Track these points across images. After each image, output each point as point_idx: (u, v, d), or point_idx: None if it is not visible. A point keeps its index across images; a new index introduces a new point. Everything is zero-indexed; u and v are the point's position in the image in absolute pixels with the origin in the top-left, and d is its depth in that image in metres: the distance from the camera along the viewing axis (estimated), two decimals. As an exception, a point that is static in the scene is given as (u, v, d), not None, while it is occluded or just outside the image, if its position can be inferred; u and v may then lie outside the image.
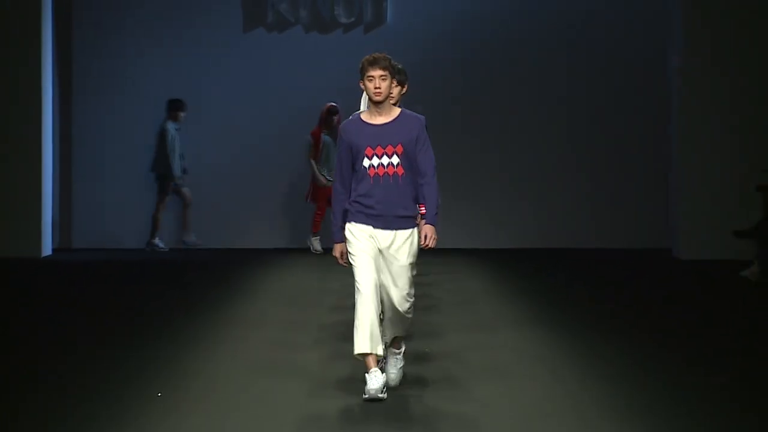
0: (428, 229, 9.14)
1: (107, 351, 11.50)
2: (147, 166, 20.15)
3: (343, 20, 20.42)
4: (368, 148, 9.11)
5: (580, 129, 20.58)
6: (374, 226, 9.13)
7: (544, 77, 20.45)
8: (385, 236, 9.14)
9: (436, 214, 9.18)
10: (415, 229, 9.25)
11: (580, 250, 20.23)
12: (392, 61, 9.24)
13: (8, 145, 19.01)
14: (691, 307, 14.74)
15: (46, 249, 19.47)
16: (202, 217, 20.36)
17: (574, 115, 20.58)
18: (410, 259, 9.24)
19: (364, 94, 10.00)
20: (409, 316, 9.41)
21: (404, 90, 9.45)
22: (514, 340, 12.10)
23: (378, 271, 9.13)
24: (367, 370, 9.05)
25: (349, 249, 9.16)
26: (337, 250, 9.32)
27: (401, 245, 9.16)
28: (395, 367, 9.50)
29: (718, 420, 8.82)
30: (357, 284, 9.10)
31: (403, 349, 9.63)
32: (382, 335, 9.18)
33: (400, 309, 9.23)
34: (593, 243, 20.39)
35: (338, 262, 9.36)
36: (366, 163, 9.12)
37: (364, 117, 9.31)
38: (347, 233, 9.20)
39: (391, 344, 9.50)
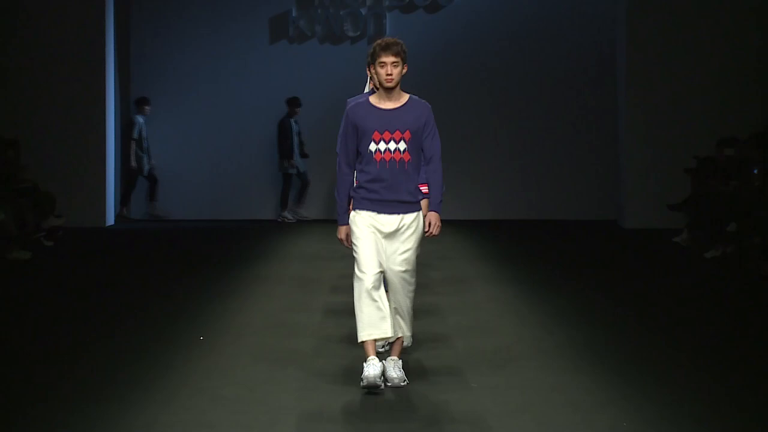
0: (433, 216, 7.84)
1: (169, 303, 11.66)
2: (195, 147, 20.23)
3: (351, 34, 20.46)
4: (375, 132, 7.73)
5: (539, 118, 20.38)
6: (379, 212, 7.75)
7: (512, 71, 20.32)
8: (390, 220, 7.76)
9: (441, 201, 7.87)
10: (420, 214, 7.86)
11: (537, 221, 19.99)
12: (404, 47, 7.79)
13: (77, 130, 18.83)
14: (632, 267, 14.82)
15: (109, 219, 19.37)
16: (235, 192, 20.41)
17: (533, 103, 20.41)
18: (415, 243, 7.85)
19: (368, 81, 8.86)
20: (410, 296, 7.91)
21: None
22: (485, 294, 12.22)
23: (381, 257, 7.74)
24: (365, 358, 7.69)
25: (353, 237, 7.80)
26: (342, 232, 7.92)
27: (406, 229, 7.77)
28: (395, 370, 7.78)
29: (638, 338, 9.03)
30: (358, 271, 7.72)
31: (401, 361, 7.91)
32: (393, 327, 7.76)
33: (402, 291, 7.82)
34: (549, 215, 20.21)
35: (343, 244, 7.99)
36: (372, 147, 7.73)
37: (372, 100, 7.84)
38: (351, 221, 7.83)
39: (391, 350, 7.99)
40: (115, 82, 19.75)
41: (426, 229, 7.84)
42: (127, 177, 20.16)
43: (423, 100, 7.88)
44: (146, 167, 20.13)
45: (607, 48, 19.84)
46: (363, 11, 20.46)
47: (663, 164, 18.55)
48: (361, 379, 7.59)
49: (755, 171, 14.95)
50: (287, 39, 20.52)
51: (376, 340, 7.76)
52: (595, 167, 20.22)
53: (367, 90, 9.02)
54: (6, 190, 15.28)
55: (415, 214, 7.83)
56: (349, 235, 7.88)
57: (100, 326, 10.39)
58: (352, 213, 7.85)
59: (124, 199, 20.19)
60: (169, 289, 12.58)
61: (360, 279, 7.69)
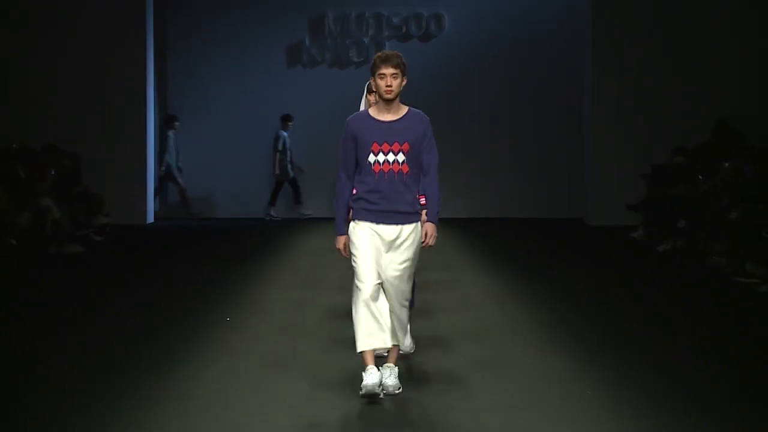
0: (430, 227, 6.93)
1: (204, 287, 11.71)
2: (225, 155, 20.25)
3: (355, 59, 20.54)
4: (375, 144, 6.82)
5: (515, 130, 20.26)
6: (377, 222, 6.86)
7: (493, 89, 20.32)
8: (389, 231, 6.85)
9: (437, 212, 6.99)
10: (419, 225, 6.94)
11: (513, 219, 19.81)
12: (403, 59, 6.88)
13: (122, 140, 18.80)
14: (596, 258, 14.87)
15: (150, 217, 19.31)
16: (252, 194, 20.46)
17: (510, 117, 20.28)
18: (413, 254, 6.92)
19: (364, 96, 8.28)
20: (406, 306, 6.98)
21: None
22: (467, 279, 12.27)
23: (380, 267, 6.86)
24: (364, 367, 6.82)
25: (352, 248, 6.91)
26: (340, 242, 6.97)
27: (405, 239, 6.86)
28: (390, 378, 6.82)
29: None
30: (357, 282, 6.84)
31: (396, 368, 6.90)
32: (392, 332, 6.83)
33: (397, 300, 6.87)
34: (523, 213, 20.06)
35: (341, 254, 7.03)
36: (371, 158, 6.83)
37: (372, 113, 6.94)
38: (350, 232, 6.93)
39: (387, 357, 6.97)
40: (154, 102, 19.77)
41: (422, 240, 6.94)
42: (274, 183, 20.13)
43: (422, 113, 7.00)
44: (291, 174, 20.10)
45: (574, 69, 19.81)
46: (366, 40, 20.54)
47: (623, 170, 18.49)
48: (360, 388, 6.76)
49: (701, 177, 14.99)
50: (301, 64, 20.58)
51: (375, 349, 6.86)
52: (564, 172, 20.19)
53: (363, 108, 8.24)
54: (63, 193, 15.33)
55: (413, 225, 6.92)
56: (347, 244, 6.94)
57: (142, 306, 10.46)
58: (352, 224, 6.95)
59: (272, 201, 20.19)
60: (200, 277, 12.63)
61: (359, 289, 6.81)
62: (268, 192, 20.34)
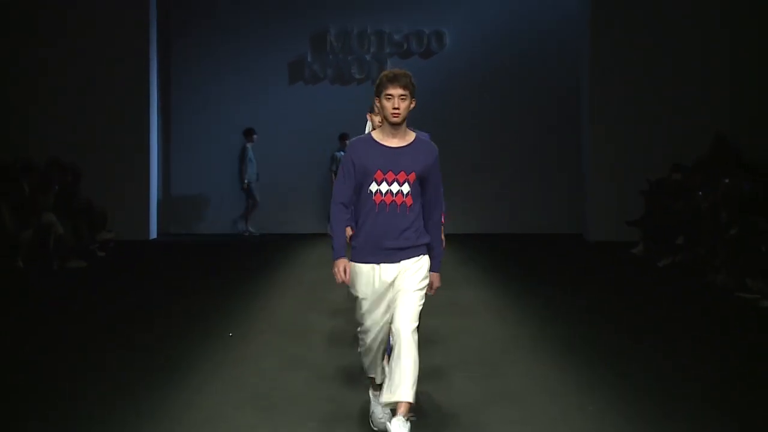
0: (434, 277, 6.22)
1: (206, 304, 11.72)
2: (228, 170, 20.25)
3: (357, 76, 20.59)
4: (378, 172, 6.04)
5: (515, 147, 20.28)
6: (378, 262, 6.08)
7: (493, 106, 20.29)
8: (391, 269, 6.08)
9: (441, 260, 6.26)
10: (426, 257, 6.16)
11: (512, 234, 19.81)
12: (413, 79, 6.12)
13: (125, 157, 18.83)
14: (596, 273, 14.86)
15: (153, 233, 19.36)
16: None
17: (510, 134, 20.32)
18: (419, 285, 6.08)
19: (368, 123, 7.73)
20: (414, 352, 5.97)
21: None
22: (467, 294, 12.28)
23: (385, 312, 6.13)
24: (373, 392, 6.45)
25: (353, 291, 6.17)
26: (339, 265, 6.06)
27: (408, 269, 6.07)
28: (401, 428, 5.89)
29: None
30: (362, 334, 6.23)
31: (409, 424, 5.95)
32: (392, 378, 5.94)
33: (405, 339, 5.93)
34: (523, 229, 20.05)
35: (340, 279, 6.09)
36: (373, 187, 6.04)
37: (376, 137, 6.16)
38: (351, 274, 6.10)
39: (397, 408, 5.96)
40: (158, 117, 19.82)
41: (428, 291, 6.20)
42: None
43: (431, 142, 6.26)
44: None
45: (573, 85, 19.86)
46: (367, 57, 20.59)
47: (622, 185, 18.52)
48: (374, 423, 6.41)
49: (700, 193, 15.00)
50: (303, 80, 20.63)
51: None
52: (563, 188, 20.20)
53: (368, 129, 7.78)
54: (65, 208, 15.35)
55: (416, 258, 6.12)
56: (347, 268, 6.08)
57: (144, 321, 10.46)
58: (351, 264, 6.13)
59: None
60: (203, 291, 12.64)
61: (362, 335, 6.24)
62: (272, 207, 20.34)
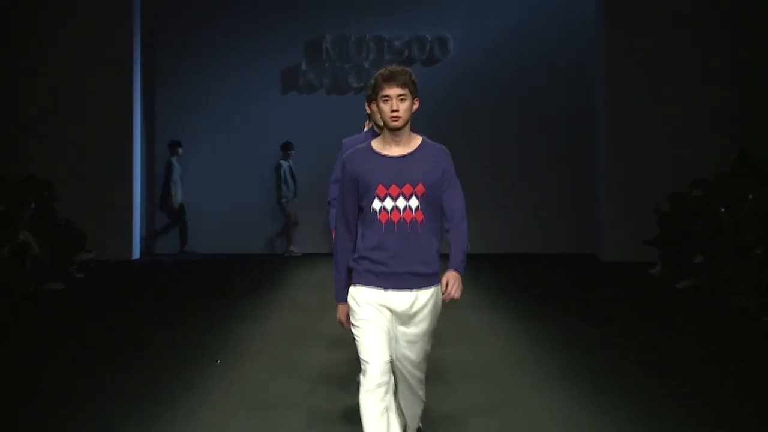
0: (452, 276, 5.60)
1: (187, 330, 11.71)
2: (216, 186, 20.34)
3: (355, 85, 20.67)
4: (380, 186, 5.55)
5: (524, 161, 20.32)
6: (386, 288, 5.57)
7: (501, 117, 20.33)
8: (401, 298, 5.59)
9: (463, 260, 5.68)
10: (438, 288, 5.67)
11: (522, 254, 19.78)
12: (413, 76, 5.68)
13: (106, 171, 18.84)
14: (610, 296, 14.84)
15: (135, 253, 19.38)
16: (244, 226, 20.50)
17: (519, 147, 20.35)
18: (431, 325, 5.72)
19: (367, 121, 7.53)
20: (421, 392, 5.91)
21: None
22: (473, 318, 12.30)
23: (390, 344, 5.61)
24: None
25: (353, 319, 5.64)
26: (341, 312, 5.74)
27: (422, 308, 5.63)
28: None
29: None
30: (361, 362, 5.60)
31: None
32: (399, 416, 5.79)
33: (410, 380, 5.79)
34: (533, 249, 20.05)
35: (343, 327, 5.78)
36: (376, 205, 5.56)
37: (375, 146, 5.69)
38: (350, 300, 5.66)
39: None
40: (141, 128, 19.89)
41: (443, 290, 5.61)
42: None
43: (439, 144, 5.81)
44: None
45: (586, 96, 19.92)
46: (366, 64, 20.64)
47: (639, 203, 18.53)
48: None
49: (723, 210, 15.02)
50: (297, 89, 20.68)
51: None
52: (575, 204, 20.22)
53: (366, 130, 7.65)
54: (41, 226, 15.39)
55: (432, 289, 5.67)
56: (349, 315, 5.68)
57: (127, 350, 10.47)
58: (352, 288, 5.67)
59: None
60: (189, 315, 12.65)
61: (363, 371, 5.57)
62: (264, 224, 20.38)
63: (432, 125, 18.96)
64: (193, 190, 20.39)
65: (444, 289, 5.59)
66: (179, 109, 20.53)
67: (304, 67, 20.67)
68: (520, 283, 16.39)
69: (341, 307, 5.75)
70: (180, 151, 20.07)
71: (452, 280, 5.57)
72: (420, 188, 5.59)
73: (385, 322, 5.59)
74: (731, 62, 18.83)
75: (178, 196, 20.07)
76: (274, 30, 20.54)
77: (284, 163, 20.09)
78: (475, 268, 17.58)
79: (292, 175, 20.08)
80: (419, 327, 5.68)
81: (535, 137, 20.40)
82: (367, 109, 7.22)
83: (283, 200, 20.08)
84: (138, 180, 19.60)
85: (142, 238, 19.92)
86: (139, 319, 12.59)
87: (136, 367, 9.49)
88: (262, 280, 16.50)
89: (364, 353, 5.56)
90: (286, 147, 20.11)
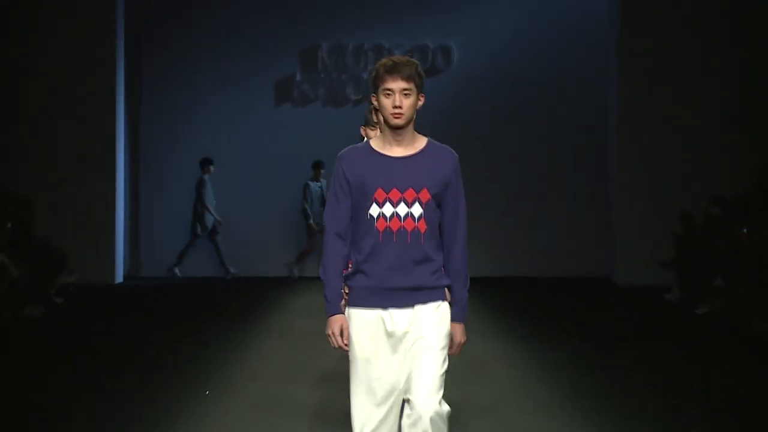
0: (457, 330, 5.32)
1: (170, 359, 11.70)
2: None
3: (352, 97, 20.70)
4: (379, 190, 5.20)
5: (533, 177, 20.38)
6: (385, 306, 5.19)
7: (507, 131, 20.39)
8: (402, 317, 5.19)
9: (466, 305, 5.37)
10: (446, 304, 5.29)
11: (531, 278, 19.76)
12: (419, 69, 5.42)
13: (88, 190, 18.88)
14: (624, 323, 14.83)
15: (118, 277, 19.37)
16: (236, 248, 20.47)
17: (527, 162, 20.40)
18: (441, 342, 5.22)
19: (362, 132, 7.23)
20: (443, 411, 5.20)
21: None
22: (478, 345, 12.30)
23: (398, 379, 5.18)
24: None
25: (350, 350, 5.26)
26: (334, 325, 5.22)
27: (426, 319, 5.21)
28: None
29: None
30: (353, 407, 5.26)
31: None
32: None
33: (425, 418, 5.10)
34: (543, 272, 20.07)
35: (337, 344, 5.23)
36: (374, 211, 5.20)
37: (375, 145, 5.35)
38: (348, 320, 5.25)
39: None
40: (125, 146, 19.91)
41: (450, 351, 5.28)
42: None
43: (448, 147, 5.49)
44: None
45: (598, 109, 19.94)
46: (364, 75, 20.66)
47: (654, 222, 18.55)
48: None
49: (744, 230, 15.01)
50: (291, 101, 20.68)
51: None
52: (587, 225, 20.22)
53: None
54: (19, 247, 15.38)
55: (435, 304, 5.27)
56: (344, 328, 5.21)
57: (109, 379, 10.46)
58: (348, 311, 5.29)
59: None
60: (176, 342, 12.64)
61: (355, 419, 5.24)
62: (258, 244, 20.36)
63: (434, 138, 18.99)
64: (186, 207, 20.37)
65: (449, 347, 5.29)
66: (165, 124, 20.54)
67: (298, 77, 20.70)
68: (528, 309, 16.37)
69: (334, 320, 5.22)
70: (212, 168, 20.02)
71: (458, 335, 5.33)
72: (424, 194, 5.24)
73: (385, 352, 5.17)
74: (757, 65, 18.82)
75: (210, 215, 20.04)
76: (265, 38, 20.57)
77: (314, 185, 20.03)
78: (480, 291, 17.62)
79: (322, 197, 19.92)
80: (427, 341, 5.17)
81: (544, 152, 20.41)
82: (362, 132, 7.10)
83: (312, 222, 19.95)
84: (122, 198, 19.62)
85: (125, 261, 19.90)
86: (121, 347, 12.56)
87: (116, 398, 9.49)
88: (256, 303, 16.48)
89: (357, 395, 5.22)
90: (317, 166, 20.01)
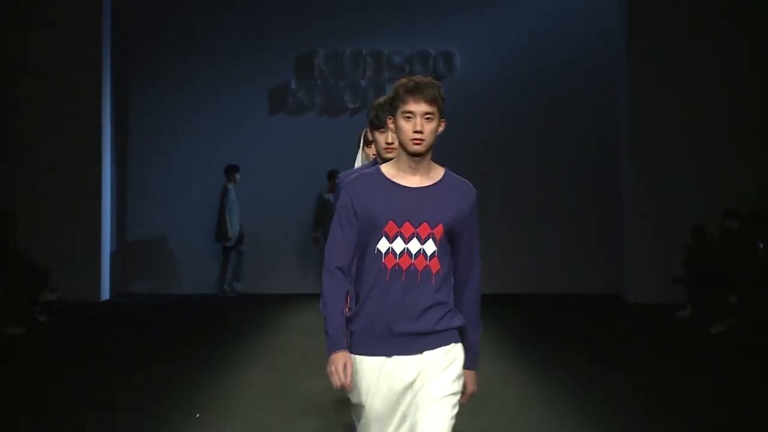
0: (468, 378, 5.09)
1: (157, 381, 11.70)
2: (195, 220, 20.38)
3: (350, 105, 20.71)
4: (390, 224, 4.89)
5: (541, 191, 20.44)
6: (389, 353, 4.89)
7: (513, 142, 20.45)
8: (410, 365, 4.90)
9: (478, 352, 5.18)
10: (459, 347, 5.00)
11: (540, 295, 19.86)
12: (442, 91, 5.07)
13: (73, 203, 18.91)
14: (636, 342, 14.79)
15: (104, 294, 19.35)
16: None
17: (535, 176, 20.48)
18: (450, 389, 4.92)
19: (360, 151, 6.91)
20: None
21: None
22: (482, 366, 12.28)
23: (401, 427, 4.92)
24: None
25: (353, 406, 5.07)
26: (339, 361, 4.85)
27: (435, 365, 4.91)
28: None
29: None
30: None
31: None
32: None
33: None
34: (552, 289, 20.12)
35: (339, 382, 4.85)
36: (383, 245, 4.90)
37: (387, 172, 5.03)
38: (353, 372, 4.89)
39: None
40: (111, 156, 19.92)
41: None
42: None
43: (465, 180, 5.18)
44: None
45: (607, 120, 19.96)
46: (363, 82, 20.69)
47: (666, 238, 18.56)
48: None
49: (761, 245, 15.02)
50: (286, 110, 20.69)
51: None
52: (597, 240, 20.23)
53: (359, 164, 6.93)
54: (0, 264, 15.37)
55: (445, 348, 4.96)
56: (348, 366, 4.86)
57: (95, 404, 10.45)
58: (351, 358, 4.92)
59: None
60: (166, 364, 12.64)
61: None
62: (249, 262, 20.36)
63: (436, 151, 18.98)
64: (176, 220, 20.40)
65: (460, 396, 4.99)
66: (154, 136, 20.57)
67: (293, 85, 20.73)
68: (535, 328, 16.37)
69: (337, 357, 4.86)
70: (237, 176, 20.00)
71: (471, 383, 5.09)
72: (439, 230, 4.93)
73: (390, 402, 4.91)
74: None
75: (234, 226, 20.03)
76: (259, 44, 20.59)
77: (330, 198, 20.02)
78: (487, 309, 17.58)
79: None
80: (436, 387, 4.88)
81: (552, 165, 20.41)
82: (369, 135, 6.50)
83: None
84: (108, 212, 19.63)
85: (111, 277, 19.87)
86: (107, 367, 12.55)
87: (102, 422, 9.48)
88: (250, 322, 16.48)
89: None
90: (332, 176, 19.98)
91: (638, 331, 15.99)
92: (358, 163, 6.91)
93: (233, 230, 19.97)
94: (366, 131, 6.69)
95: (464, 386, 5.01)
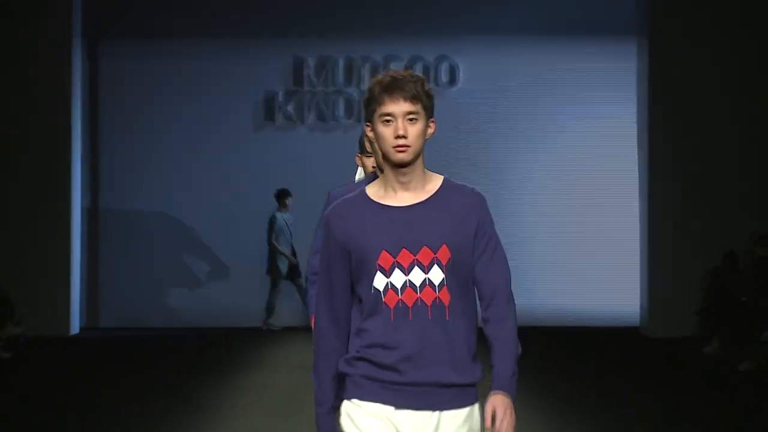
0: (500, 402, 4.45)
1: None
2: (171, 248, 20.42)
3: (343, 119, 20.74)
4: (384, 254, 4.41)
5: (555, 216, 20.49)
6: (397, 406, 4.44)
7: (518, 159, 20.61)
8: (417, 420, 4.45)
9: (514, 373, 4.63)
10: (476, 408, 4.59)
11: (556, 328, 19.80)
12: (426, 86, 4.50)
13: (40, 231, 18.89)
14: (657, 381, 14.73)
15: (74, 328, 19.33)
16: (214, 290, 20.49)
17: (547, 204, 20.55)
18: None
19: (358, 170, 6.48)
20: None
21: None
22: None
23: None
24: None
25: None
26: None
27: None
28: None
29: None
30: None
31: None
32: None
33: None
34: (567, 322, 20.10)
35: None
36: (380, 282, 4.42)
37: (371, 193, 4.55)
38: (345, 420, 4.52)
39: None
40: (81, 181, 19.94)
41: (487, 424, 4.43)
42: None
43: (470, 186, 4.72)
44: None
45: (623, 135, 19.97)
46: (356, 94, 20.68)
47: (689, 267, 18.47)
48: None
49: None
50: (273, 124, 20.66)
51: None
52: (613, 269, 20.16)
53: (358, 179, 6.65)
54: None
55: (465, 411, 4.55)
56: None
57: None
58: (346, 405, 4.54)
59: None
60: (139, 403, 12.65)
61: None
62: (242, 285, 20.34)
63: (437, 167, 18.98)
64: (152, 247, 20.40)
65: (489, 423, 4.43)
66: (128, 150, 20.49)
67: (281, 97, 20.74)
68: (543, 365, 16.34)
69: None
70: (288, 202, 19.93)
71: (501, 408, 4.43)
72: (444, 252, 4.44)
73: None
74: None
75: (283, 256, 20.06)
76: (244, 52, 20.58)
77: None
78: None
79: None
80: None
81: (564, 185, 20.37)
82: (367, 145, 6.09)
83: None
84: (77, 239, 19.64)
85: (81, 310, 19.85)
86: (76, 406, 12.53)
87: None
88: (229, 357, 16.49)
89: None
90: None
91: (659, 367, 15.93)
92: (359, 175, 6.60)
93: (283, 263, 19.91)
94: (363, 135, 6.37)
95: (494, 415, 4.42)
